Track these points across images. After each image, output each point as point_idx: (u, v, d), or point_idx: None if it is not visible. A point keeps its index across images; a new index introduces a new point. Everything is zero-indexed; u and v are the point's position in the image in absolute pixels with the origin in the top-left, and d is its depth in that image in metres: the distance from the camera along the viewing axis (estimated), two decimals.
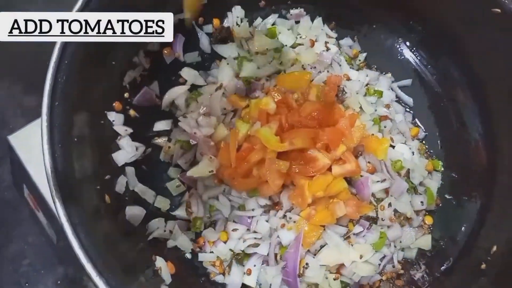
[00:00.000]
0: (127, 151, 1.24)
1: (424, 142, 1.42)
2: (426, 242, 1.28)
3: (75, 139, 1.05)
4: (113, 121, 1.22)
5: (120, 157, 1.23)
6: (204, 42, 1.45)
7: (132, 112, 1.30)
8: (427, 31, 1.42)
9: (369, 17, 1.50)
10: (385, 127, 1.38)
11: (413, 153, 1.34)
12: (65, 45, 1.04)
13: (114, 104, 1.25)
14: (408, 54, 1.50)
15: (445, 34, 1.36)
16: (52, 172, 0.94)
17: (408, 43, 1.49)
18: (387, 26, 1.49)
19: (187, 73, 1.39)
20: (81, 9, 1.07)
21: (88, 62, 1.11)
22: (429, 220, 1.31)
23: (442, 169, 1.37)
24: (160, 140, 1.34)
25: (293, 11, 1.51)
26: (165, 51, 1.37)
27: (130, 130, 1.27)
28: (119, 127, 1.24)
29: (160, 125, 1.35)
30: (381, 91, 1.43)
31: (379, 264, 1.24)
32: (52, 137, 0.98)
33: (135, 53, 1.30)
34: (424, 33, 1.43)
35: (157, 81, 1.37)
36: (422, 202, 1.29)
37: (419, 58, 1.48)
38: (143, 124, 1.32)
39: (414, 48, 1.49)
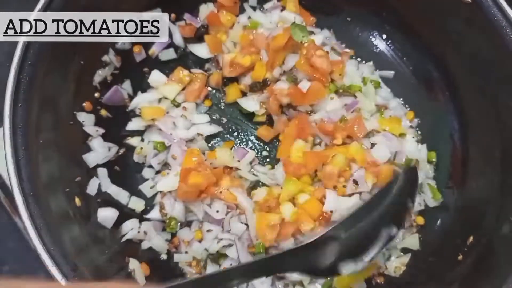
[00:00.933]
0: (99, 152, 1.23)
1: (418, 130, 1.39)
2: (414, 242, 1.26)
3: (41, 141, 1.03)
4: (83, 121, 1.20)
5: (92, 158, 1.21)
6: (177, 37, 1.42)
7: (103, 112, 1.28)
8: (400, 22, 1.41)
9: (343, 10, 1.48)
10: (382, 117, 1.35)
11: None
12: (28, 44, 1.02)
13: (84, 104, 1.22)
14: (383, 46, 1.49)
15: (418, 26, 1.36)
16: (15, 175, 0.92)
17: (383, 36, 1.48)
18: (362, 18, 1.48)
19: (156, 79, 1.37)
20: (44, 9, 1.05)
21: (54, 62, 1.09)
22: (420, 220, 1.29)
23: (434, 160, 1.34)
24: (133, 140, 1.32)
25: (267, 5, 1.48)
26: (136, 49, 1.34)
27: (101, 131, 1.25)
28: (90, 127, 1.22)
29: (133, 125, 1.33)
30: (378, 81, 1.41)
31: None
32: (15, 140, 0.96)
33: (105, 51, 1.28)
34: (397, 24, 1.42)
35: (130, 80, 1.35)
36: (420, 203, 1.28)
37: (394, 50, 1.47)
38: (115, 124, 1.30)
39: (390, 41, 1.48)
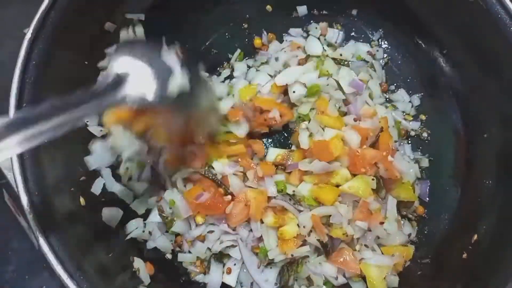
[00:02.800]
0: (100, 155, 1.20)
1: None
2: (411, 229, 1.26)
3: (45, 141, 1.03)
4: (87, 122, 1.20)
5: (93, 161, 1.19)
6: None
7: None
8: (405, 22, 1.41)
9: (350, 8, 1.49)
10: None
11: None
12: (32, 45, 1.03)
13: None
14: (388, 45, 1.49)
15: (422, 25, 1.36)
16: (21, 175, 0.92)
17: (389, 35, 1.48)
18: (368, 17, 1.48)
19: None
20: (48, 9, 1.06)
21: (58, 63, 1.09)
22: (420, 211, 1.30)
23: None
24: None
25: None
26: None
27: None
28: (94, 127, 1.22)
29: None
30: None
31: None
32: None
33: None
34: (403, 24, 1.43)
35: None
36: None
37: (398, 49, 1.48)
38: None
39: (394, 40, 1.48)
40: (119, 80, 0.91)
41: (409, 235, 1.25)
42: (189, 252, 1.21)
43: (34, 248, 1.59)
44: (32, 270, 1.59)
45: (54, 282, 1.58)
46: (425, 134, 1.39)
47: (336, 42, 1.46)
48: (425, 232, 1.29)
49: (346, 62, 1.42)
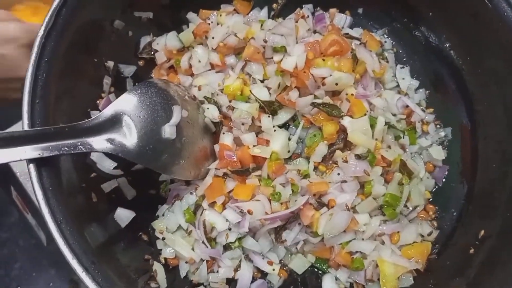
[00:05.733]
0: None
1: None
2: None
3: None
4: None
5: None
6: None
7: None
8: (409, 20, 1.43)
9: (355, 6, 1.50)
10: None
11: None
12: (44, 42, 1.04)
13: (98, 101, 1.23)
14: (393, 43, 1.50)
15: (423, 22, 1.39)
16: (35, 170, 0.93)
17: (393, 33, 1.50)
18: (373, 15, 1.50)
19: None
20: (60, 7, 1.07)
21: (70, 59, 1.10)
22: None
23: None
24: None
25: None
26: None
27: None
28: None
29: None
30: None
31: None
32: None
33: None
34: (407, 22, 1.44)
35: None
36: None
37: (403, 47, 1.49)
38: None
39: (399, 38, 1.49)
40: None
41: (430, 233, 1.25)
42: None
43: (41, 245, 1.60)
44: (39, 267, 1.60)
45: (61, 279, 1.59)
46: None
47: (343, 27, 1.46)
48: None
49: None
